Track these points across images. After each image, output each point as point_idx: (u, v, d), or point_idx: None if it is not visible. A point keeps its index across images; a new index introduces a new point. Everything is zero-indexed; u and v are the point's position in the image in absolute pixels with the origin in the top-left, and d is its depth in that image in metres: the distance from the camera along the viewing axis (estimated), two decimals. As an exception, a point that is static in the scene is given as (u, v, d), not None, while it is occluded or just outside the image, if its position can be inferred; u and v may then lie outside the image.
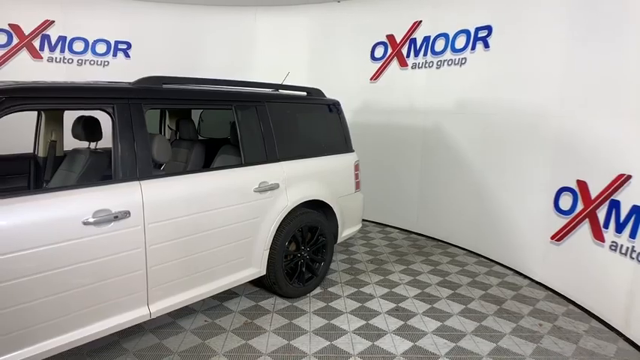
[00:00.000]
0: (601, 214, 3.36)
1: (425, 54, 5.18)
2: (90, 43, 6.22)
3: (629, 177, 3.12)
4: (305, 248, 3.58)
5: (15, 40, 5.78)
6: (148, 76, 2.78)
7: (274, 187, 3.21)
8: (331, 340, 2.91)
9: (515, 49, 4.18)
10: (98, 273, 2.28)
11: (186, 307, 3.24)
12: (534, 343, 2.97)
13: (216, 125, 4.79)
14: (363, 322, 3.17)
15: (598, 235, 3.38)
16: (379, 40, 5.65)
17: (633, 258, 3.02)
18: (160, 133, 4.34)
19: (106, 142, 3.03)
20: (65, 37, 6.07)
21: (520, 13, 4.14)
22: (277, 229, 3.26)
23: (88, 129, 2.92)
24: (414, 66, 5.31)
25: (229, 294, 3.53)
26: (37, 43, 5.92)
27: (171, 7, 6.36)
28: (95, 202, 2.26)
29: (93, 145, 3.11)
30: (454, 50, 4.84)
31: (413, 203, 5.47)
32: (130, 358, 2.64)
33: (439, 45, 5.02)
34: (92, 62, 6.26)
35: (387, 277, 4.03)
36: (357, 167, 4.08)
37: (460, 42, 4.78)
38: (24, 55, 5.85)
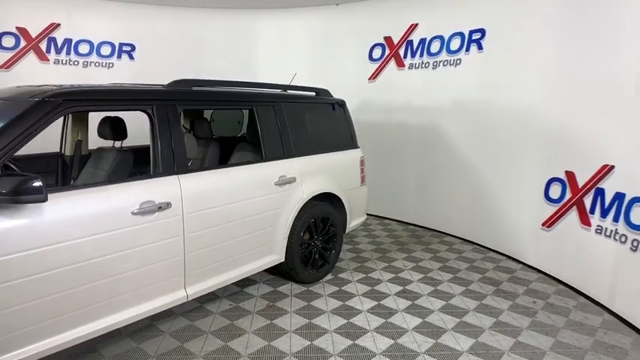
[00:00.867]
0: (587, 201, 3.70)
1: (421, 55, 5.48)
2: (95, 46, 6.37)
3: (612, 167, 3.46)
4: (318, 237, 3.85)
5: (22, 43, 5.92)
6: (178, 79, 3.01)
7: (291, 180, 3.48)
8: (348, 319, 3.19)
9: (507, 51, 4.51)
10: (144, 258, 2.53)
11: (212, 293, 3.49)
12: (530, 317, 3.30)
13: (225, 125, 5.04)
14: (375, 303, 3.46)
15: (585, 221, 3.73)
16: (377, 42, 5.94)
17: (617, 239, 3.37)
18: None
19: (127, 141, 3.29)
20: (71, 40, 6.22)
21: (512, 17, 4.46)
22: (294, 220, 3.53)
23: (115, 129, 3.14)
24: (410, 66, 5.61)
25: (249, 282, 3.79)
26: (43, 46, 6.06)
27: (174, 10, 6.54)
28: (141, 194, 2.50)
29: (118, 144, 3.33)
30: (449, 52, 5.16)
31: (411, 196, 5.78)
32: (167, 337, 2.89)
33: (435, 47, 5.33)
34: (97, 64, 6.42)
35: (391, 264, 4.33)
36: (362, 162, 4.37)
37: (455, 44, 5.10)
38: (31, 57, 5.99)
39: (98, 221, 2.30)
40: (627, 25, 3.28)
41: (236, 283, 3.72)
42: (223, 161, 3.85)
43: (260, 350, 2.76)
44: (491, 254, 4.72)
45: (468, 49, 4.97)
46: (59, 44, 6.16)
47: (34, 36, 5.98)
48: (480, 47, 4.83)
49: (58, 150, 3.83)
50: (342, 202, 4.05)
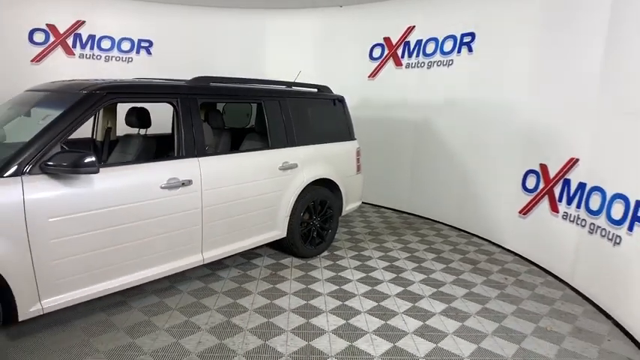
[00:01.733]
0: (557, 190, 4.16)
1: (417, 55, 5.94)
2: (116, 41, 6.88)
3: (577, 160, 3.92)
4: (316, 218, 4.35)
5: (51, 39, 6.44)
6: (199, 76, 3.51)
7: (293, 166, 3.98)
8: (340, 286, 3.70)
9: (493, 54, 4.96)
10: (169, 225, 3.04)
11: (222, 263, 4.01)
12: (499, 290, 3.78)
13: (236, 117, 5.54)
14: (364, 275, 3.96)
15: (554, 208, 4.19)
16: (377, 42, 6.40)
17: (578, 224, 3.84)
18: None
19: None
20: (94, 36, 6.74)
21: (498, 23, 4.91)
22: (296, 201, 4.03)
23: (140, 118, 3.65)
24: (407, 66, 6.07)
25: (254, 254, 4.30)
26: (70, 41, 6.58)
27: (188, 8, 7.03)
28: (168, 172, 3.02)
29: (142, 131, 3.85)
30: (443, 53, 5.61)
31: (405, 186, 6.26)
32: (185, 295, 3.41)
33: (430, 48, 5.78)
34: (118, 58, 6.94)
35: (382, 245, 4.83)
36: (358, 153, 4.85)
37: (448, 46, 5.55)
38: (59, 51, 6.52)
39: (134, 192, 2.82)
40: (591, 33, 3.72)
41: (243, 255, 4.23)
42: (234, 149, 4.35)
43: (264, 306, 3.28)
44: (474, 239, 5.20)
45: (459, 51, 5.42)
46: (84, 40, 6.68)
47: (61, 32, 6.49)
48: (470, 49, 5.28)
49: (90, 136, 4.35)
50: (339, 188, 4.54)
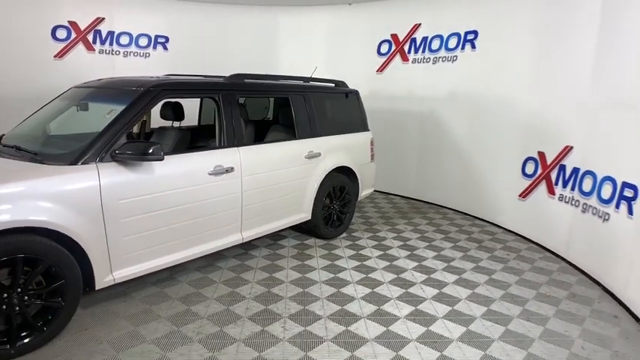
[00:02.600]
0: (553, 175, 4.60)
1: (423, 51, 6.33)
2: (134, 37, 7.19)
3: (571, 147, 4.35)
4: (336, 202, 4.76)
5: (73, 35, 6.74)
6: (234, 73, 3.88)
7: (317, 155, 4.38)
8: (362, 262, 4.13)
9: (496, 50, 5.36)
10: (215, 207, 3.44)
11: (251, 243, 4.42)
12: (503, 264, 4.23)
13: (254, 110, 5.90)
14: (382, 252, 4.39)
15: (551, 191, 4.64)
16: (385, 38, 6.77)
17: (572, 204, 4.28)
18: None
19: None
20: (113, 32, 7.04)
21: (500, 21, 5.30)
22: (319, 186, 4.43)
23: (175, 111, 4.01)
24: (414, 61, 6.46)
25: (280, 236, 4.71)
26: (90, 37, 6.88)
27: (203, 5, 7.35)
28: (214, 160, 3.40)
29: (176, 124, 4.22)
30: (447, 49, 6.01)
31: (412, 174, 6.69)
32: (225, 271, 3.81)
33: (435, 44, 6.17)
34: (135, 54, 7.25)
35: (394, 227, 5.26)
36: (372, 142, 5.26)
37: (452, 42, 5.94)
38: (80, 47, 6.82)
39: (187, 178, 3.21)
40: (584, 31, 4.13)
41: (270, 237, 4.64)
42: (257, 139, 4.72)
43: (297, 279, 3.70)
44: (477, 222, 5.64)
45: (463, 48, 5.82)
46: (103, 36, 6.98)
47: (82, 29, 6.79)
48: (473, 46, 5.68)
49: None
50: (356, 175, 4.94)
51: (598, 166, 3.95)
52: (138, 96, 3.11)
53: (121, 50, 7.13)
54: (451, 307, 3.31)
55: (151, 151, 2.83)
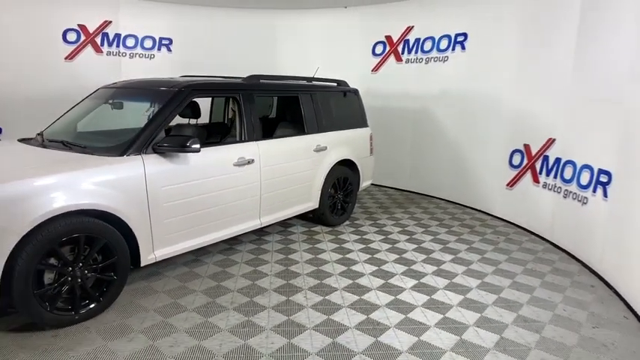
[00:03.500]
0: (538, 165, 5.09)
1: (416, 52, 6.78)
2: (139, 39, 7.50)
3: (554, 140, 4.84)
4: (340, 192, 5.18)
5: (82, 38, 7.03)
6: (251, 74, 4.27)
7: (324, 148, 4.79)
8: (366, 245, 4.55)
9: (484, 51, 5.84)
10: (238, 195, 3.83)
11: (264, 230, 4.81)
12: (493, 246, 4.70)
13: (260, 107, 6.27)
14: (383, 237, 4.83)
15: (535, 179, 5.12)
16: (379, 40, 7.20)
17: (555, 191, 4.77)
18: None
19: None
20: (120, 35, 7.34)
21: (487, 25, 5.78)
22: (325, 178, 4.84)
23: (193, 110, 4.38)
24: (407, 61, 6.91)
25: (289, 224, 5.11)
26: (98, 40, 7.18)
27: (205, 9, 7.68)
28: (237, 152, 3.79)
29: (193, 121, 4.60)
30: (439, 50, 6.47)
31: (405, 168, 7.14)
32: (245, 254, 4.20)
33: (427, 45, 6.63)
34: (141, 55, 7.57)
35: (392, 216, 5.70)
36: (371, 137, 5.69)
37: (443, 44, 6.40)
38: (89, 50, 7.11)
39: (216, 168, 3.59)
40: (564, 33, 4.61)
41: (280, 225, 5.04)
42: (265, 135, 5.08)
43: (311, 259, 4.11)
44: (468, 210, 6.12)
45: (453, 49, 6.28)
46: (111, 38, 7.28)
47: (91, 31, 7.08)
48: (463, 47, 6.15)
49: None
50: (357, 167, 5.37)
51: (577, 155, 4.43)
52: (172, 95, 3.48)
53: (127, 52, 7.44)
54: (449, 280, 3.76)
55: (189, 143, 3.20)
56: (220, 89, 3.94)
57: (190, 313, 3.08)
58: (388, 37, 7.10)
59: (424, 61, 6.68)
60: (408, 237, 4.85)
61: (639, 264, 3.32)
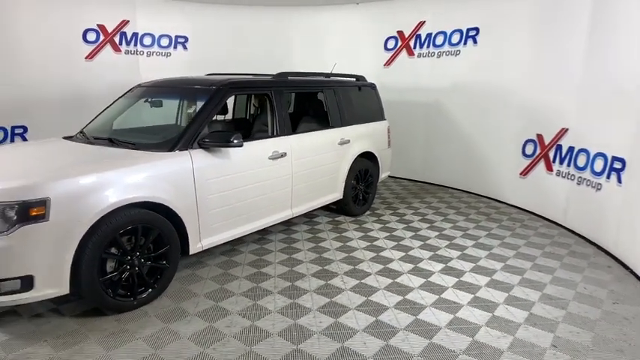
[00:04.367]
0: (551, 154, 5.30)
1: (428, 46, 6.96)
2: (156, 38, 7.66)
3: (567, 129, 5.05)
4: (362, 183, 5.39)
5: (102, 37, 7.19)
6: (280, 72, 4.46)
7: (347, 142, 4.99)
8: (390, 232, 4.78)
9: (496, 44, 6.02)
10: (273, 187, 4.04)
11: (291, 221, 5.02)
12: (510, 231, 4.92)
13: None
14: (405, 225, 5.05)
15: (549, 168, 5.34)
16: (391, 35, 7.38)
17: (568, 178, 4.98)
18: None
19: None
20: (137, 33, 7.50)
21: (499, 19, 5.96)
22: (349, 170, 5.05)
23: (223, 107, 4.57)
24: (419, 55, 7.09)
25: (313, 215, 5.32)
26: (117, 39, 7.34)
27: (220, 6, 7.84)
28: (272, 146, 4.00)
29: (220, 117, 4.79)
30: (451, 44, 6.65)
31: (419, 159, 7.35)
32: (278, 243, 4.42)
33: (439, 40, 6.81)
34: (158, 54, 7.73)
35: (410, 205, 5.92)
36: (389, 130, 5.89)
37: (455, 38, 6.59)
38: (108, 49, 7.27)
39: (254, 161, 3.80)
40: (577, 24, 4.80)
41: (305, 217, 5.25)
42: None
43: (340, 247, 4.33)
44: (482, 199, 6.34)
45: (465, 43, 6.47)
46: (128, 37, 7.44)
47: (109, 31, 7.24)
48: (474, 41, 6.34)
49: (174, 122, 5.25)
50: (377, 159, 5.58)
51: (591, 144, 4.64)
52: (213, 93, 3.68)
53: (145, 50, 7.60)
54: (474, 264, 3.98)
55: (233, 139, 3.41)
56: (254, 86, 4.14)
57: (239, 297, 3.30)
58: (400, 32, 7.27)
59: (436, 55, 6.87)
60: (428, 225, 5.07)
61: (655, 244, 3.55)
